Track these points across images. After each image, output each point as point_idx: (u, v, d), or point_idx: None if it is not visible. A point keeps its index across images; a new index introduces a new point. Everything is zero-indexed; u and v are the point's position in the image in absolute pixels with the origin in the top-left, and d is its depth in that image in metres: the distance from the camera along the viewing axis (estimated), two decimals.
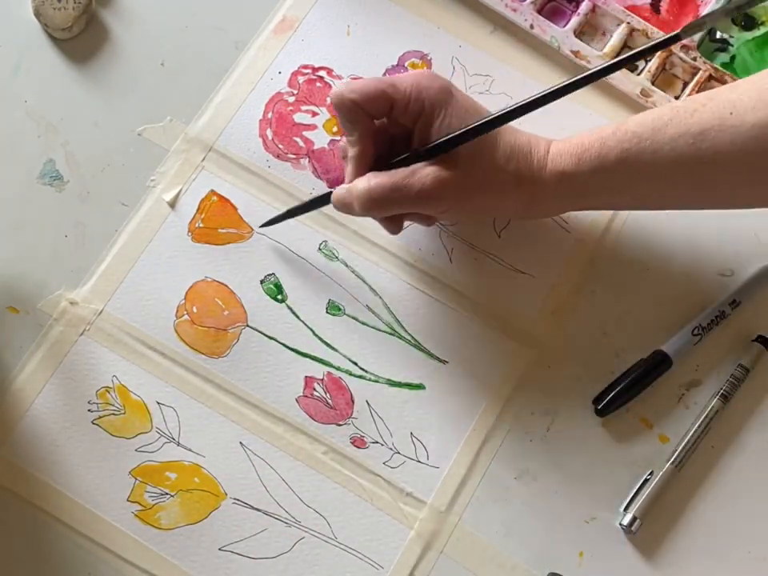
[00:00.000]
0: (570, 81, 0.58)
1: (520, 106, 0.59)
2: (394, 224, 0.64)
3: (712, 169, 0.59)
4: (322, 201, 0.66)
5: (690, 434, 0.65)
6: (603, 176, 0.60)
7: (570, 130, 0.71)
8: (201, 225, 0.69)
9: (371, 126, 0.61)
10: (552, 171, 0.61)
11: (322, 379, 0.66)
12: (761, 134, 0.57)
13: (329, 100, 0.71)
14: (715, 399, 0.65)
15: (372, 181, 0.60)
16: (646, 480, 0.64)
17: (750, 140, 0.57)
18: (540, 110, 0.71)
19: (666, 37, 0.56)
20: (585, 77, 0.58)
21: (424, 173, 0.59)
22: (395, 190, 0.60)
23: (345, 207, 0.62)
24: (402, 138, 0.63)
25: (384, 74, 0.72)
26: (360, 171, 0.62)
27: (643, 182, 0.61)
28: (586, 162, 0.60)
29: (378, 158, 0.62)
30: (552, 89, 0.58)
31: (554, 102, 0.59)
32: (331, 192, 0.64)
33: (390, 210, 0.62)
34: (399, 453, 0.65)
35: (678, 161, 0.59)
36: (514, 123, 0.60)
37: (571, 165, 0.61)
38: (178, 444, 0.65)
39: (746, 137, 0.57)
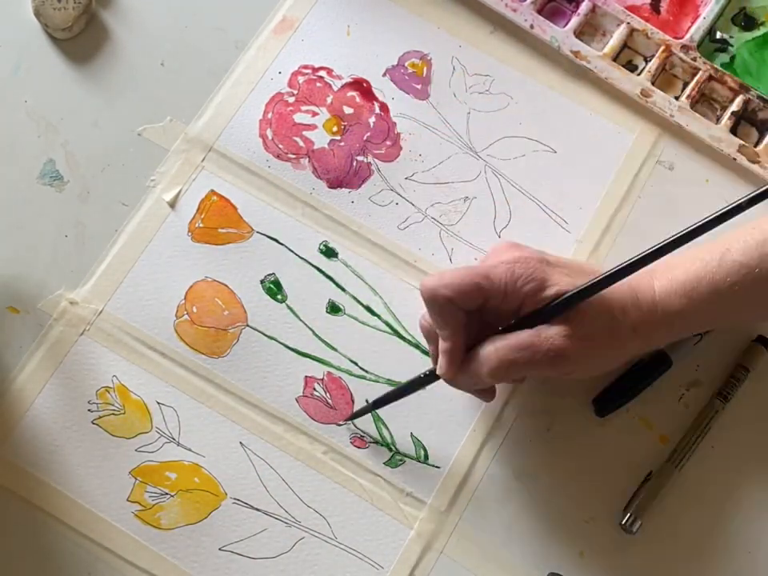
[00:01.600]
0: (687, 231, 0.57)
1: (638, 259, 0.57)
2: (489, 393, 0.63)
3: None
4: (418, 384, 0.63)
5: (690, 434, 0.65)
6: (716, 309, 0.61)
7: (571, 132, 0.71)
8: (201, 225, 0.69)
9: (464, 318, 0.59)
10: (664, 313, 0.60)
11: (322, 379, 0.66)
12: None
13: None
14: (715, 399, 0.65)
15: (498, 344, 0.58)
16: (646, 480, 0.64)
17: None
18: (541, 113, 0.72)
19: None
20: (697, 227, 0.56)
21: (551, 332, 0.58)
22: (523, 350, 0.58)
23: (470, 378, 0.60)
24: (499, 312, 0.60)
25: (384, 74, 0.72)
26: (454, 363, 0.60)
27: (755, 308, 0.62)
28: (696, 302, 0.60)
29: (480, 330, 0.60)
30: (669, 240, 0.57)
31: (666, 254, 0.57)
32: (424, 375, 0.63)
33: (518, 372, 0.59)
34: (399, 453, 0.65)
35: None
36: None
37: (682, 305, 0.60)
38: (178, 444, 0.65)
39: None
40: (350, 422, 0.65)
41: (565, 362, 0.58)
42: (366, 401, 0.65)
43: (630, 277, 0.59)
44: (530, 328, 0.59)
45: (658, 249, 0.57)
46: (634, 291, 0.60)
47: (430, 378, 0.62)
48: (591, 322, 0.59)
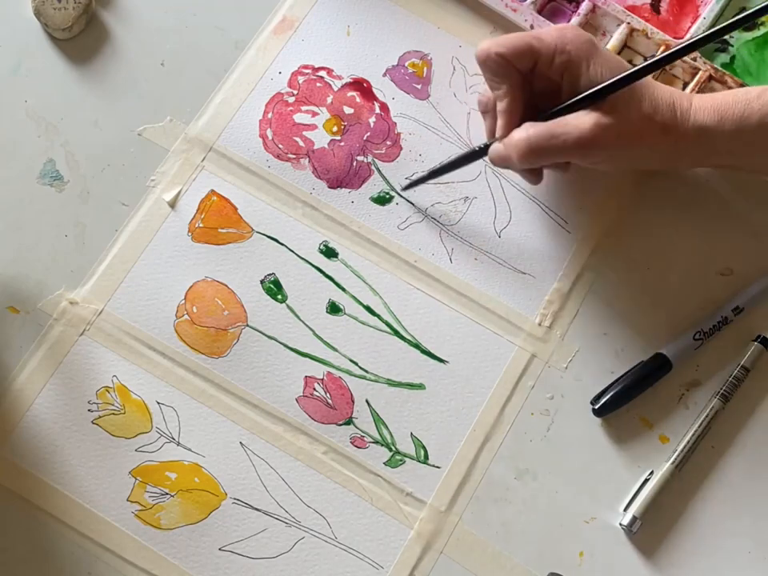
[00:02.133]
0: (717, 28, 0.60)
1: (675, 51, 0.61)
2: (535, 174, 0.66)
3: None
4: (470, 157, 0.67)
5: (690, 433, 0.65)
6: (743, 136, 0.62)
7: None
8: (201, 225, 0.69)
9: (519, 78, 0.63)
10: (694, 125, 0.62)
11: (322, 379, 0.66)
12: None
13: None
14: (715, 399, 0.65)
15: (530, 130, 0.62)
16: (646, 480, 0.64)
17: None
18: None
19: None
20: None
21: (583, 120, 0.61)
22: (554, 137, 0.61)
23: (502, 160, 0.64)
24: (545, 94, 0.64)
25: (384, 74, 0.72)
26: (513, 122, 0.63)
27: None
28: (728, 121, 0.61)
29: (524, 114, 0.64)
30: (704, 35, 0.60)
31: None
32: (479, 148, 0.66)
33: (548, 158, 0.63)
34: (399, 453, 0.65)
35: None
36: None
37: (713, 121, 0.62)
38: (178, 444, 0.65)
39: None
40: (405, 190, 0.69)
41: (593, 151, 0.62)
42: (432, 171, 0.68)
43: (671, 87, 0.63)
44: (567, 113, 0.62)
45: (693, 43, 0.60)
46: (672, 95, 0.62)
47: (484, 150, 0.65)
48: (623, 114, 0.61)
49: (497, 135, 0.64)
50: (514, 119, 0.63)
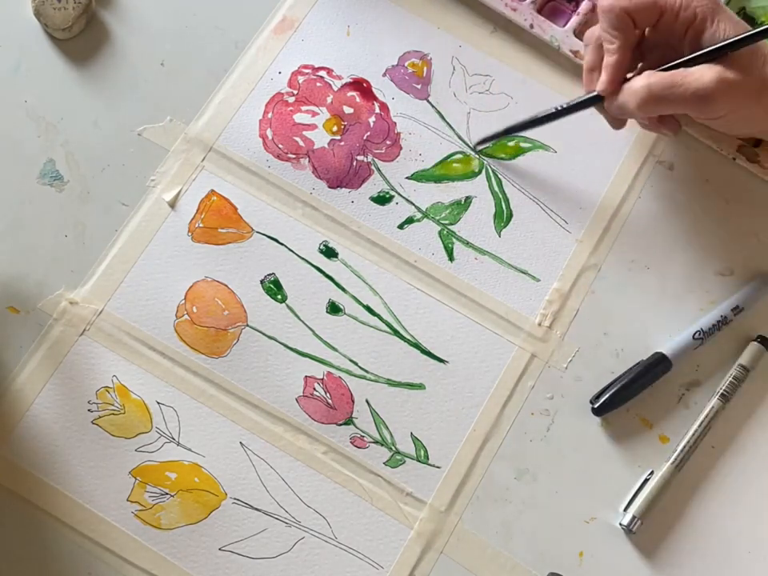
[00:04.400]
0: None
1: None
2: (619, 122, 0.67)
3: None
4: (578, 106, 0.66)
5: (690, 433, 0.65)
6: None
7: (570, 131, 0.71)
8: (201, 225, 0.69)
9: (634, 37, 0.63)
10: None
11: (322, 379, 0.66)
12: None
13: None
14: (715, 399, 0.65)
15: (651, 78, 0.62)
16: (646, 480, 0.64)
17: None
18: (541, 111, 0.72)
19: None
20: None
21: (705, 73, 0.60)
22: (675, 86, 0.61)
23: (618, 108, 0.64)
24: (657, 49, 0.64)
25: (384, 74, 0.72)
26: (616, 80, 0.63)
27: None
28: None
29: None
30: None
31: None
32: (587, 97, 0.66)
33: (666, 107, 0.62)
34: (399, 453, 0.65)
35: None
36: None
37: None
38: (178, 444, 0.65)
39: None
40: (484, 144, 0.71)
41: (712, 105, 0.61)
42: (526, 121, 0.69)
43: None
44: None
45: None
46: None
47: (592, 99, 0.65)
48: (745, 72, 0.61)
49: (599, 88, 0.64)
50: (617, 76, 0.63)
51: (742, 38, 0.61)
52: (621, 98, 0.63)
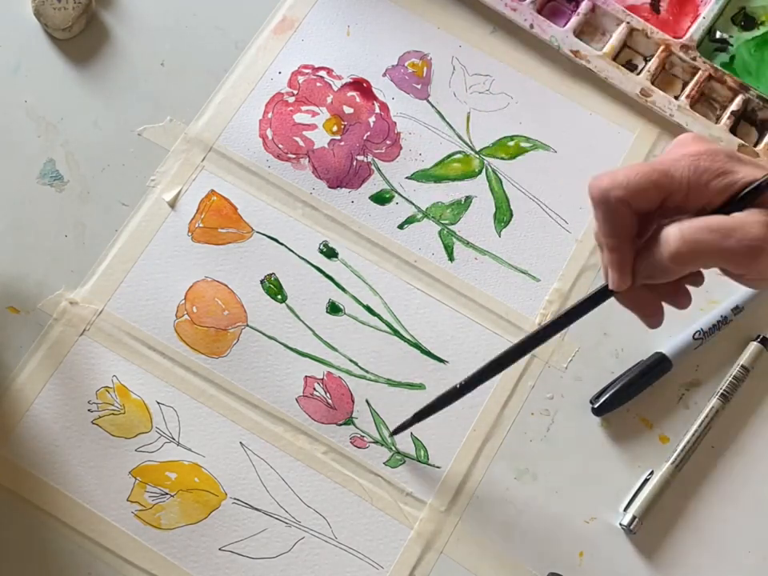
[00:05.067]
0: None
1: None
2: (658, 313, 0.54)
3: None
4: (594, 301, 0.55)
5: (690, 433, 0.65)
6: None
7: (571, 131, 0.71)
8: (201, 225, 0.69)
9: (634, 228, 0.51)
10: None
11: (322, 379, 0.66)
12: None
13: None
14: (715, 399, 0.65)
15: (684, 225, 0.49)
16: (646, 480, 0.64)
17: None
18: (541, 113, 0.71)
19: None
20: None
21: (748, 217, 0.49)
22: (713, 231, 0.48)
23: (645, 268, 0.52)
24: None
25: (384, 74, 0.72)
26: (626, 273, 0.52)
27: None
28: None
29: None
30: None
31: None
32: (601, 291, 0.54)
33: (705, 258, 0.50)
34: (399, 453, 0.65)
35: None
36: None
37: None
38: (178, 444, 0.65)
39: None
40: (400, 432, 0.64)
41: (762, 255, 0.49)
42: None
43: None
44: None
45: None
46: None
47: (603, 294, 0.54)
48: None
49: (612, 287, 0.53)
50: (626, 269, 0.52)
51: None
52: (651, 255, 0.51)
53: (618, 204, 0.50)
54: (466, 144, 0.71)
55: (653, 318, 0.54)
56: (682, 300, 0.54)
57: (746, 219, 0.49)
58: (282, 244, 0.69)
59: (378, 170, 0.70)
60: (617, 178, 0.50)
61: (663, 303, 0.54)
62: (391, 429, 0.64)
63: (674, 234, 0.49)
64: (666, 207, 0.51)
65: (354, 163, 0.71)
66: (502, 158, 0.71)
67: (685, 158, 0.50)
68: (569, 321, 0.56)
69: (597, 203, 0.51)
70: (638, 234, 0.52)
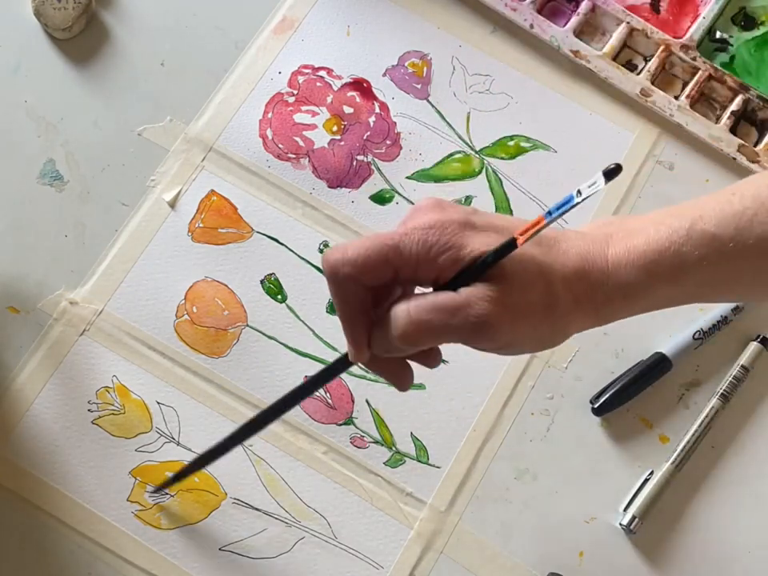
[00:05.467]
0: None
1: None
2: (433, 357, 0.53)
3: None
4: (333, 371, 0.54)
5: (690, 433, 0.65)
6: (677, 286, 0.51)
7: (571, 131, 0.71)
8: (201, 225, 0.69)
9: (366, 301, 0.50)
10: (617, 287, 0.50)
11: None
12: None
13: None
14: (715, 399, 0.65)
15: (412, 303, 0.48)
16: (646, 480, 0.64)
17: None
18: (541, 113, 0.71)
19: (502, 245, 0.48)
20: None
21: (476, 294, 0.48)
22: (441, 311, 0.48)
23: (379, 345, 0.51)
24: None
25: (384, 74, 0.72)
26: (362, 346, 0.51)
27: (721, 287, 0.53)
28: (656, 276, 0.50)
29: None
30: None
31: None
32: (339, 361, 0.53)
33: (434, 337, 0.50)
34: (399, 453, 0.65)
35: (765, 267, 0.51)
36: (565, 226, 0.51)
37: (638, 278, 0.50)
38: (178, 444, 0.65)
39: None
40: (161, 491, 0.62)
41: (490, 331, 0.48)
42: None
43: (581, 243, 0.51)
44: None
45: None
46: (584, 259, 0.51)
47: (344, 363, 0.52)
48: (524, 290, 0.49)
49: (354, 359, 0.51)
50: (362, 342, 0.50)
51: (498, 250, 0.48)
52: (382, 332, 0.50)
53: (346, 280, 0.49)
54: (466, 144, 0.71)
55: (401, 383, 0.53)
56: (430, 362, 0.53)
57: (472, 295, 0.48)
58: (282, 244, 0.69)
59: (378, 169, 0.70)
60: (347, 254, 0.49)
61: (414, 363, 0.53)
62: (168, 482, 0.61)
63: (402, 314, 0.48)
64: (400, 279, 0.50)
65: (354, 163, 0.71)
66: (502, 158, 0.71)
67: (416, 232, 0.49)
68: (312, 389, 0.55)
69: (327, 278, 0.50)
70: (376, 303, 0.51)
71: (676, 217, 0.51)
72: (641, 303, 0.52)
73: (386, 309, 0.50)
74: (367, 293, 0.50)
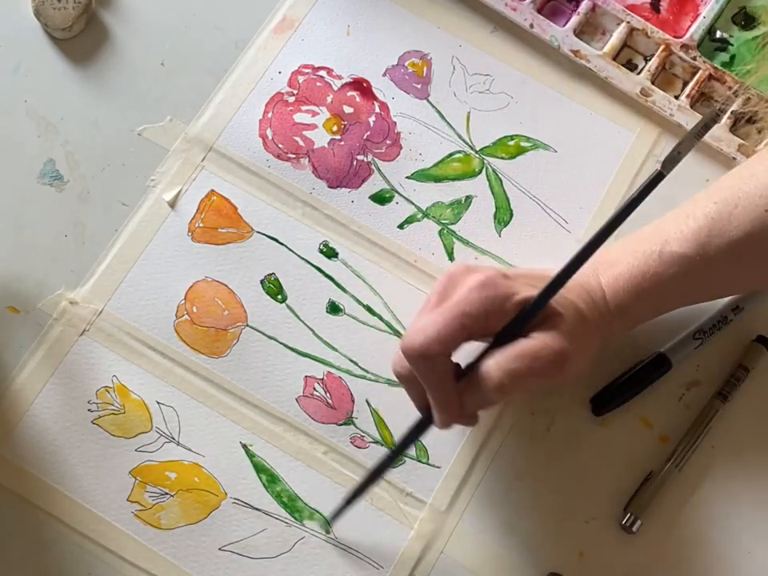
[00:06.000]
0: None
1: (587, 246, 0.56)
2: (474, 417, 0.59)
3: (762, 262, 0.62)
4: (416, 434, 0.60)
5: (690, 434, 0.65)
6: (662, 300, 0.62)
7: (571, 131, 0.71)
8: (201, 225, 0.69)
9: (451, 365, 0.56)
10: (615, 309, 0.61)
11: (322, 379, 0.66)
12: None
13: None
14: (715, 399, 0.65)
15: (498, 357, 0.55)
16: (646, 480, 0.64)
17: None
18: (541, 113, 0.72)
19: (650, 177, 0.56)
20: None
21: (545, 336, 0.55)
22: (524, 357, 0.55)
23: (472, 401, 0.57)
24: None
25: (384, 74, 0.72)
26: (455, 409, 0.56)
27: (699, 292, 0.63)
28: (643, 296, 0.60)
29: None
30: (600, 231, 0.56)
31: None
32: (421, 423, 0.59)
33: (523, 382, 0.55)
34: None
35: (729, 266, 0.61)
36: None
37: (630, 301, 0.61)
38: (178, 444, 0.65)
39: None
40: (337, 516, 0.63)
41: (566, 363, 0.56)
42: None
43: (578, 279, 0.58)
44: (512, 338, 0.56)
45: (593, 241, 0.56)
46: (587, 291, 0.60)
47: (425, 425, 0.59)
48: (570, 321, 0.57)
49: (441, 427, 0.57)
50: (455, 405, 0.56)
51: (546, 289, 0.56)
52: (475, 389, 0.56)
53: (437, 357, 0.55)
54: (466, 144, 0.71)
55: (475, 422, 0.60)
56: (472, 421, 0.60)
57: (544, 336, 0.55)
58: (282, 244, 0.69)
59: (378, 169, 0.70)
60: (428, 334, 0.54)
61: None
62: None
63: (493, 368, 0.54)
64: (471, 337, 0.56)
65: (354, 163, 0.71)
66: (502, 158, 0.71)
67: (473, 293, 0.56)
68: (395, 456, 0.61)
69: (416, 361, 0.55)
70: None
71: (646, 243, 0.61)
72: (633, 319, 0.62)
73: (473, 372, 0.56)
74: (450, 361, 0.56)
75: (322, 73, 0.72)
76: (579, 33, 0.73)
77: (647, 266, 0.60)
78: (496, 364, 0.55)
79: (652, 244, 0.61)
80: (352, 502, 0.62)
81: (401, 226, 0.69)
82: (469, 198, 0.70)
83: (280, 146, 0.71)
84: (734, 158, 0.70)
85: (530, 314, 0.56)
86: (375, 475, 0.61)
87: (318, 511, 0.64)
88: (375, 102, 0.72)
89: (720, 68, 0.72)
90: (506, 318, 0.56)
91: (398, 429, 0.65)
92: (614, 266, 0.61)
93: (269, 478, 0.64)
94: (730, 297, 0.67)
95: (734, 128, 0.71)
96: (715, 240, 0.60)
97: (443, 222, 0.69)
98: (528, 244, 0.69)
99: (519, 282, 0.58)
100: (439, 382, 0.56)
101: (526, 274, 0.60)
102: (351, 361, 0.66)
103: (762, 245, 0.60)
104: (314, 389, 0.66)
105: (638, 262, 0.61)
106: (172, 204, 0.69)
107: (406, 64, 0.73)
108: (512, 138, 0.72)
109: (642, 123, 0.72)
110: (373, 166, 0.70)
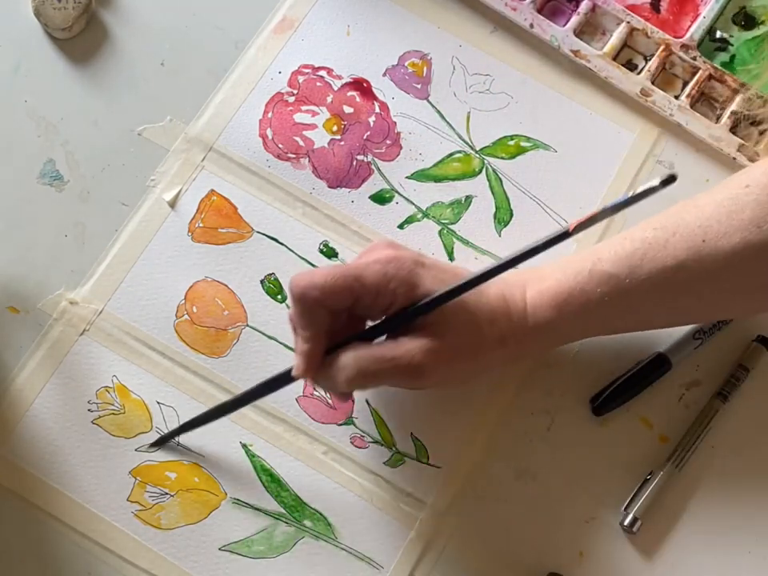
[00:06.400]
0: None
1: (497, 266, 0.56)
2: (346, 395, 0.62)
3: (692, 295, 0.60)
4: (275, 384, 0.61)
5: (690, 434, 0.65)
6: (586, 320, 0.60)
7: (571, 131, 0.71)
8: (201, 225, 0.69)
9: (327, 323, 0.57)
10: (535, 325, 0.60)
11: None
12: (736, 259, 0.58)
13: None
14: (715, 399, 0.65)
15: (359, 353, 0.57)
16: (646, 480, 0.64)
17: (727, 267, 0.58)
18: (541, 113, 0.72)
19: (556, 234, 0.55)
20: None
21: (411, 345, 0.57)
22: (384, 361, 0.56)
23: (325, 384, 0.60)
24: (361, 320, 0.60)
25: (384, 74, 0.72)
26: (312, 366, 0.58)
27: (626, 317, 0.62)
28: (566, 312, 0.59)
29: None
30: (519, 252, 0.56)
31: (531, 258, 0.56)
32: (284, 374, 0.60)
33: (375, 383, 0.59)
34: (399, 453, 0.65)
35: (659, 294, 0.60)
36: None
37: (552, 316, 0.60)
38: (178, 444, 0.65)
39: (722, 264, 0.58)
40: (159, 445, 0.64)
41: (423, 376, 0.57)
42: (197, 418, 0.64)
43: (503, 286, 0.59)
44: (394, 329, 0.58)
45: (511, 260, 0.56)
46: (506, 301, 0.60)
47: (285, 378, 0.60)
48: (455, 335, 0.57)
49: (295, 373, 0.58)
50: (313, 362, 0.57)
51: (445, 293, 0.56)
52: (329, 372, 0.57)
53: (313, 303, 0.56)
54: (466, 143, 0.71)
55: (342, 398, 0.62)
56: (342, 399, 0.64)
57: (410, 347, 0.56)
58: (282, 244, 0.69)
59: (378, 169, 0.70)
60: (314, 279, 0.56)
61: None
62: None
63: (349, 362, 0.56)
64: (358, 306, 0.57)
65: (354, 163, 0.71)
66: (502, 158, 0.71)
67: (375, 265, 0.57)
68: (251, 400, 0.63)
69: (296, 300, 0.57)
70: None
71: (579, 261, 0.60)
72: (555, 337, 0.62)
73: (333, 356, 0.57)
74: (328, 317, 0.57)
75: (322, 73, 0.72)
76: (579, 33, 0.73)
77: (576, 282, 0.59)
78: (354, 359, 0.57)
79: (584, 261, 0.60)
80: (184, 430, 0.64)
81: (401, 226, 0.69)
82: (469, 198, 0.70)
83: (280, 145, 0.71)
84: (734, 158, 0.70)
85: (412, 316, 0.57)
86: (218, 413, 0.63)
87: (318, 511, 0.64)
88: (375, 102, 0.72)
89: (720, 68, 0.72)
90: (394, 304, 0.57)
91: (398, 429, 0.65)
92: (543, 281, 0.61)
93: (269, 477, 0.64)
94: None
95: (734, 129, 0.71)
96: (648, 264, 0.59)
97: (443, 221, 0.70)
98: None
99: (431, 275, 0.58)
100: (307, 328, 0.57)
101: (445, 269, 0.59)
102: None
103: (694, 276, 0.59)
104: (314, 389, 0.66)
105: (567, 278, 0.60)
106: (172, 204, 0.69)
107: (406, 64, 0.73)
108: (512, 137, 0.72)
109: (642, 123, 0.72)
110: (373, 166, 0.70)
